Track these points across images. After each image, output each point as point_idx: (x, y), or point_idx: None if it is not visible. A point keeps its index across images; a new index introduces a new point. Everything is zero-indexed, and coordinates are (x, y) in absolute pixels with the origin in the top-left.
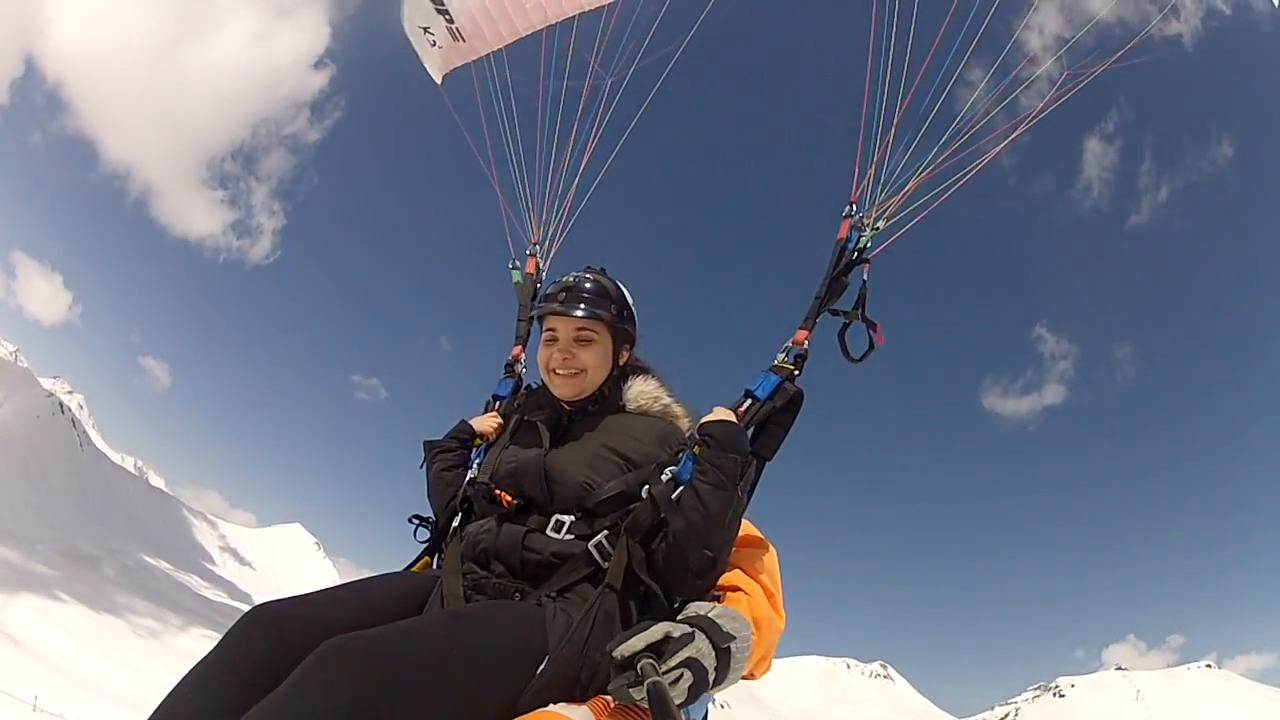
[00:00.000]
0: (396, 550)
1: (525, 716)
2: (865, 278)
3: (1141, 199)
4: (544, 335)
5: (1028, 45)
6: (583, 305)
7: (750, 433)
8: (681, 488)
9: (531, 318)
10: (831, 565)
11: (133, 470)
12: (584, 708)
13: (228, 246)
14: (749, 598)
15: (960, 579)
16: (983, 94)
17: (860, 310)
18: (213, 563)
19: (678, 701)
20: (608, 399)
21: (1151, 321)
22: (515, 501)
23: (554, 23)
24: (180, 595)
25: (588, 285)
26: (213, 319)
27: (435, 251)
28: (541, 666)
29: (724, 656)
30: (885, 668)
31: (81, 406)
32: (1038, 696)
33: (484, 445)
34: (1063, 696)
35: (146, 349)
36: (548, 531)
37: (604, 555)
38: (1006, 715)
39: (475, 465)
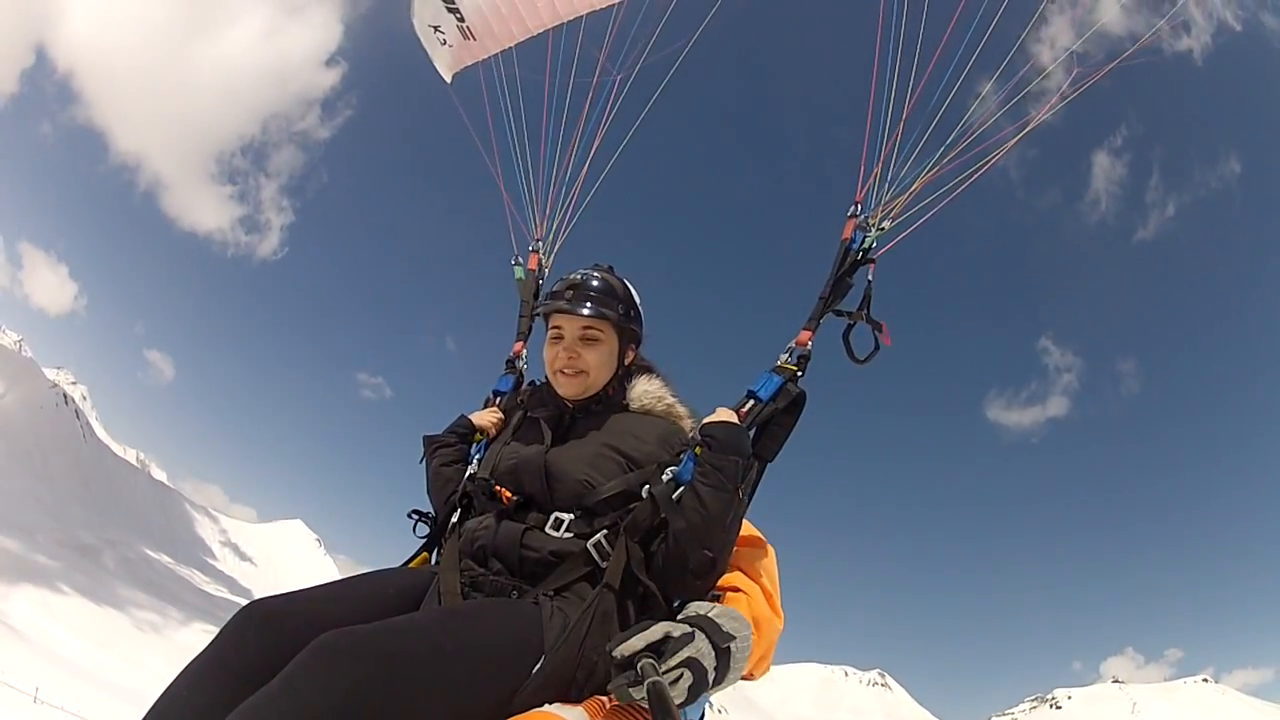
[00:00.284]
0: (397, 548)
1: (520, 716)
2: (870, 278)
3: (1149, 214)
4: (549, 333)
5: (1034, 46)
6: (589, 304)
7: (752, 434)
8: (682, 488)
9: (534, 314)
10: (832, 572)
11: (135, 463)
12: (579, 708)
13: (236, 241)
14: (748, 598)
15: (960, 589)
16: (989, 94)
17: (865, 311)
18: (214, 557)
19: (678, 701)
20: (611, 398)
21: (1156, 336)
22: (515, 498)
23: (564, 21)
24: (181, 589)
25: (594, 283)
26: (219, 314)
27: (443, 251)
28: (537, 666)
29: (724, 656)
30: (883, 676)
31: (85, 398)
32: (1035, 708)
33: (484, 441)
34: (1059, 708)
35: (152, 342)
36: (546, 529)
37: (602, 555)
38: None
39: (475, 461)
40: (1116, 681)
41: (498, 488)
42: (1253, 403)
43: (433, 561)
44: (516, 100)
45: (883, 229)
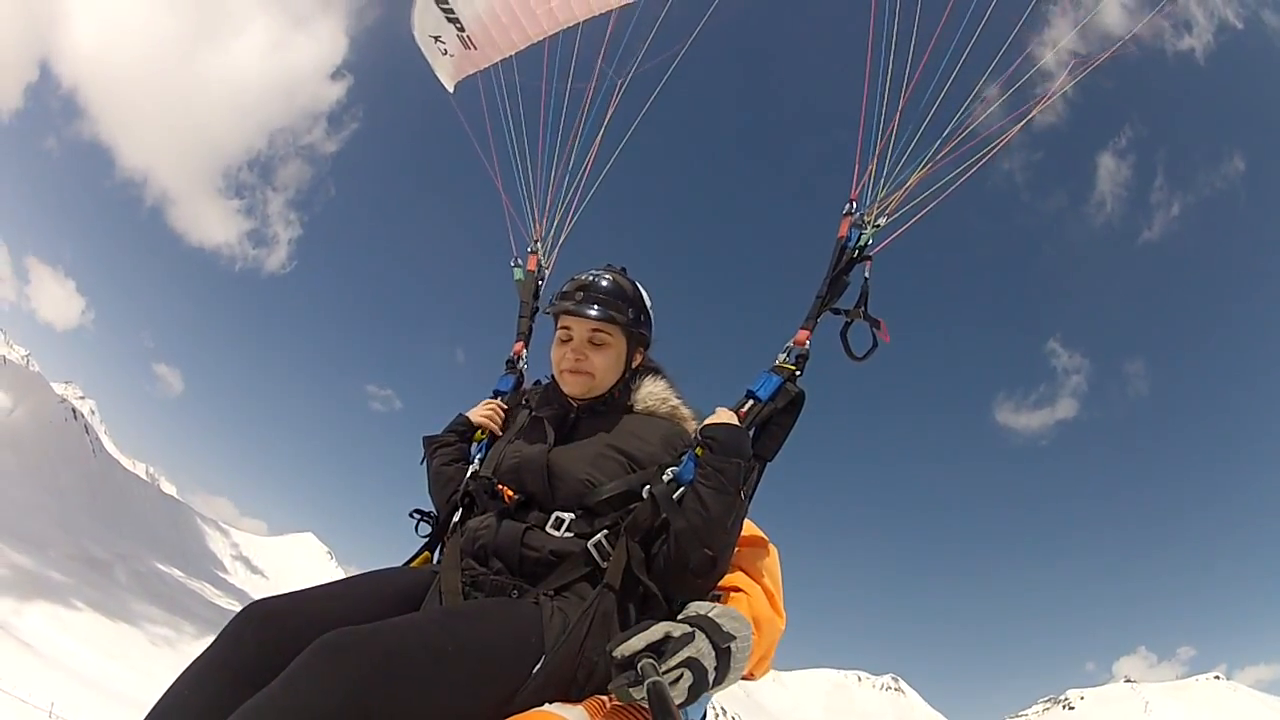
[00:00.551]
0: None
1: (520, 715)
2: (867, 275)
3: (1154, 214)
4: (558, 333)
5: (1029, 37)
6: (598, 306)
7: (752, 433)
8: (683, 489)
9: (535, 312)
10: (844, 577)
11: (144, 477)
12: (579, 708)
13: (244, 255)
14: (749, 598)
15: (973, 591)
16: (984, 87)
17: (863, 308)
18: (225, 570)
19: (678, 701)
20: (617, 399)
21: (1163, 336)
22: (516, 497)
23: (564, 27)
24: (193, 603)
25: (604, 285)
26: (227, 327)
27: (452, 263)
28: (538, 665)
29: (724, 656)
30: (896, 680)
31: (94, 412)
32: (1048, 709)
33: (487, 440)
34: (1072, 709)
35: (160, 355)
36: (547, 529)
37: (603, 555)
38: None
39: (478, 460)
40: (1129, 681)
41: (500, 486)
42: (1261, 399)
43: (434, 561)
44: (515, 103)
45: (878, 226)
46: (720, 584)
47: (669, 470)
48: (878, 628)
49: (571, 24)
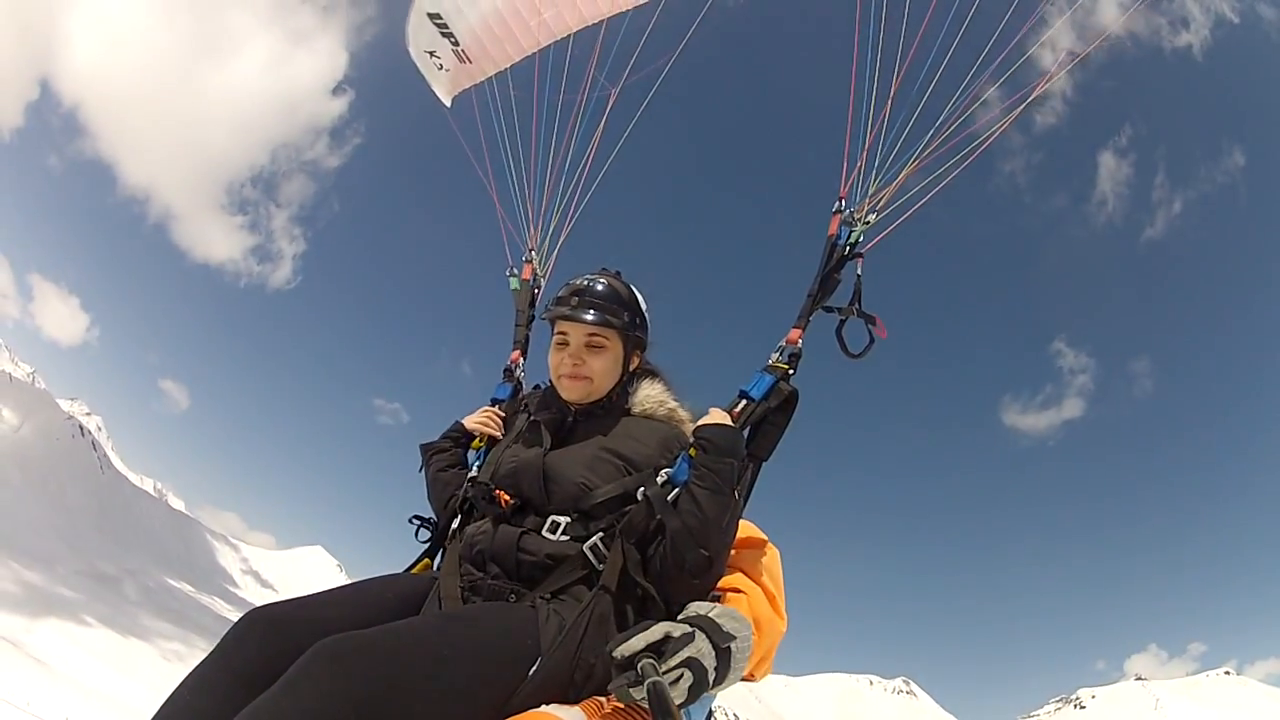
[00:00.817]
0: None
1: (517, 717)
2: (859, 272)
3: (1156, 212)
4: (555, 338)
5: (1021, 25)
6: (594, 311)
7: (747, 432)
8: (678, 490)
9: (531, 321)
10: (854, 582)
11: (152, 492)
12: (576, 709)
13: (248, 271)
14: (749, 598)
15: (984, 593)
16: (974, 79)
17: (856, 306)
18: (234, 585)
19: (678, 701)
20: (614, 403)
21: (1167, 333)
22: (513, 501)
23: (558, 39)
24: (203, 617)
25: (600, 289)
26: (233, 342)
27: (457, 275)
28: (534, 668)
29: (724, 656)
30: (908, 683)
31: (100, 428)
32: (1059, 709)
33: (485, 446)
34: (1083, 708)
35: (166, 371)
36: (543, 533)
37: (599, 557)
38: None
39: (476, 466)
40: (1139, 679)
41: (497, 491)
42: (1268, 394)
43: (435, 567)
44: (509, 114)
45: (868, 223)
46: (720, 585)
47: (664, 472)
48: (888, 631)
49: (565, 35)
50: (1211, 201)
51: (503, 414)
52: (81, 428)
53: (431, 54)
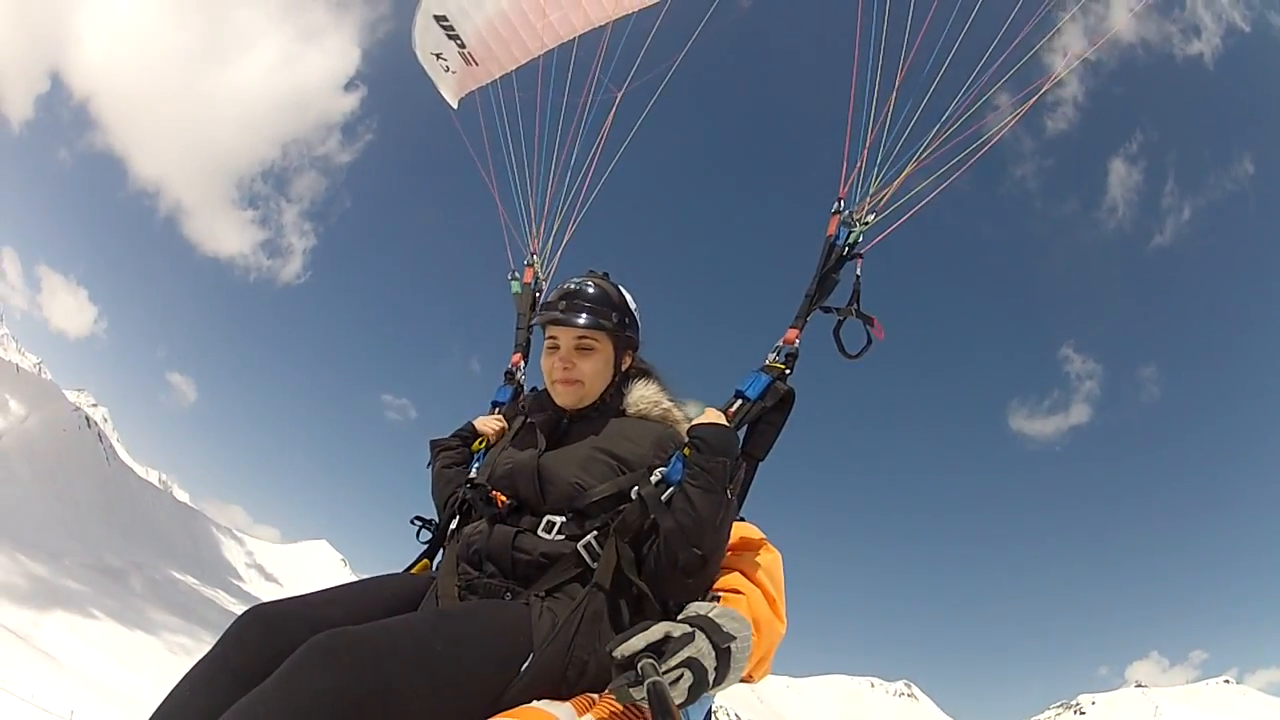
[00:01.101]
0: None
1: (508, 712)
2: (858, 273)
3: (1165, 219)
4: (546, 343)
5: (1023, 21)
6: (584, 314)
7: (744, 432)
8: (671, 489)
9: (531, 325)
10: (858, 584)
11: (157, 484)
12: (567, 705)
13: (258, 265)
14: (747, 599)
15: (987, 597)
16: (976, 79)
17: (855, 306)
18: (239, 578)
19: (678, 702)
20: (608, 404)
21: (1175, 340)
22: (509, 502)
23: (563, 41)
24: (208, 610)
25: (589, 291)
26: (242, 337)
27: (468, 272)
28: (526, 664)
29: (724, 657)
30: (910, 686)
31: (106, 419)
32: (1059, 714)
33: (485, 447)
34: (1083, 714)
35: (173, 364)
36: (539, 532)
37: (593, 556)
38: None
39: (474, 468)
40: (1139, 686)
41: (494, 492)
42: (1274, 404)
43: (434, 567)
44: (514, 115)
45: (867, 223)
46: (718, 585)
47: (658, 471)
48: (891, 634)
49: (571, 37)
50: (1221, 209)
51: (504, 417)
52: (88, 419)
53: (438, 56)
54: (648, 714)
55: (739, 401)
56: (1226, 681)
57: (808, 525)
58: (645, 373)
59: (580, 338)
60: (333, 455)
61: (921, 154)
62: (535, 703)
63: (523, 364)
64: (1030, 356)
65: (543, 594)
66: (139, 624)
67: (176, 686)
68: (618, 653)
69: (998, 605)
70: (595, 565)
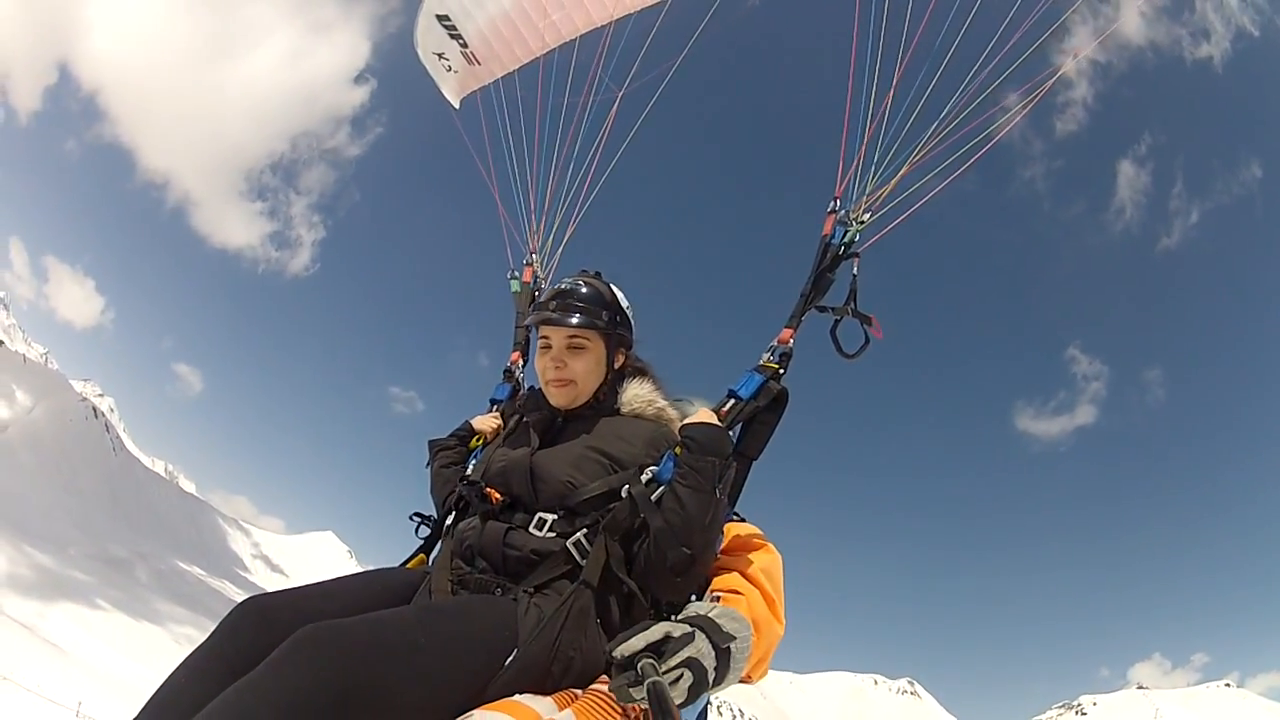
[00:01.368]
0: None
1: (490, 705)
2: (855, 272)
3: (1173, 221)
4: (539, 343)
5: (1023, 19)
6: (576, 314)
7: (738, 431)
8: (662, 488)
9: (529, 325)
10: (862, 582)
11: (163, 474)
12: (548, 699)
13: (266, 257)
14: (746, 599)
15: (991, 596)
16: (975, 78)
17: (852, 305)
18: (245, 569)
19: (678, 702)
20: (602, 403)
21: (1181, 342)
22: (502, 499)
23: (565, 41)
24: (215, 601)
25: (581, 291)
26: (249, 328)
27: (477, 266)
28: (510, 658)
29: (724, 657)
30: (912, 684)
31: (113, 409)
32: (1061, 715)
33: (482, 445)
34: (1084, 715)
35: (180, 355)
36: (530, 529)
37: (582, 553)
38: None
39: (471, 465)
40: (1140, 688)
41: (488, 489)
42: (1278, 408)
43: (429, 562)
44: (514, 115)
45: (863, 223)
46: (717, 586)
47: (649, 470)
48: (895, 632)
49: (572, 37)
50: (1228, 213)
51: (502, 415)
52: (94, 409)
53: (440, 55)
54: (631, 710)
55: (732, 401)
56: (1227, 685)
57: (814, 523)
58: (640, 371)
59: (571, 337)
60: (339, 447)
61: (919, 152)
62: (517, 696)
63: (521, 362)
64: (1037, 357)
65: (531, 589)
66: (145, 615)
67: (172, 674)
68: (618, 653)
69: (1001, 604)
70: (585, 562)
